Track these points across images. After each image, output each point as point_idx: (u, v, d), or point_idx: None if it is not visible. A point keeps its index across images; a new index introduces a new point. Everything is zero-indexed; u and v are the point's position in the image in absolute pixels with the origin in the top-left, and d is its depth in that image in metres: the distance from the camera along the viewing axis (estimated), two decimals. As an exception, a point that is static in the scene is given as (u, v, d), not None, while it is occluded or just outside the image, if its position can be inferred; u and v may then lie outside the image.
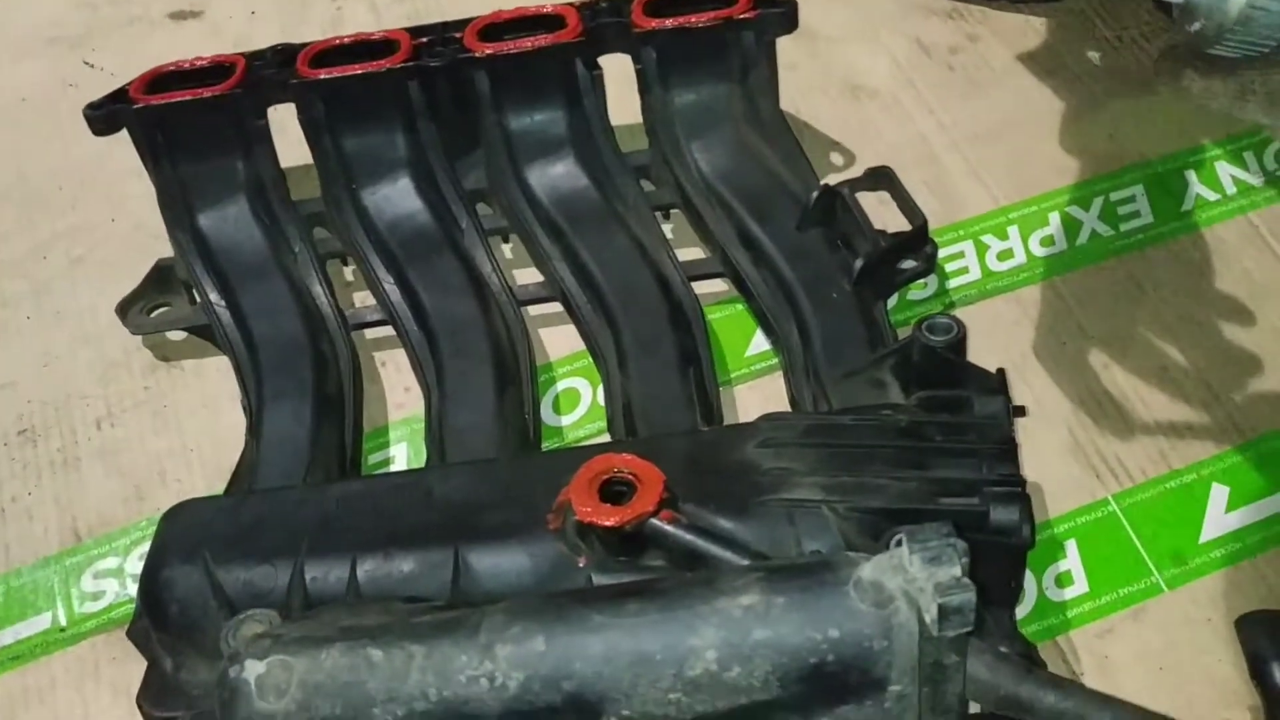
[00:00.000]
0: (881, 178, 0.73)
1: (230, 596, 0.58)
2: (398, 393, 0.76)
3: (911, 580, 0.41)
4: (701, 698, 0.41)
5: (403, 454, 0.74)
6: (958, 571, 0.40)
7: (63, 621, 0.70)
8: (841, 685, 0.41)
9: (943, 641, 0.43)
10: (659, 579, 0.47)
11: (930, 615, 0.40)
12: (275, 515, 0.61)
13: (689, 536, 0.55)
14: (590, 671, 0.41)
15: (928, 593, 0.40)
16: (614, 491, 0.57)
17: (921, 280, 0.76)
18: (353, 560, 0.57)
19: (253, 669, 0.43)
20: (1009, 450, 0.58)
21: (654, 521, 0.56)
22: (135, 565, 0.71)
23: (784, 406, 0.71)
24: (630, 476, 0.57)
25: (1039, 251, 0.78)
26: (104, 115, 0.75)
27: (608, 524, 0.55)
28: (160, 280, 0.79)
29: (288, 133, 0.81)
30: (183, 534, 0.61)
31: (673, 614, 0.41)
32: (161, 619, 0.59)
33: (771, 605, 0.41)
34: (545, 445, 0.72)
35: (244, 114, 0.76)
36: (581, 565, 0.56)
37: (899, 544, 0.47)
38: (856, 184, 0.72)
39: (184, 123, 0.76)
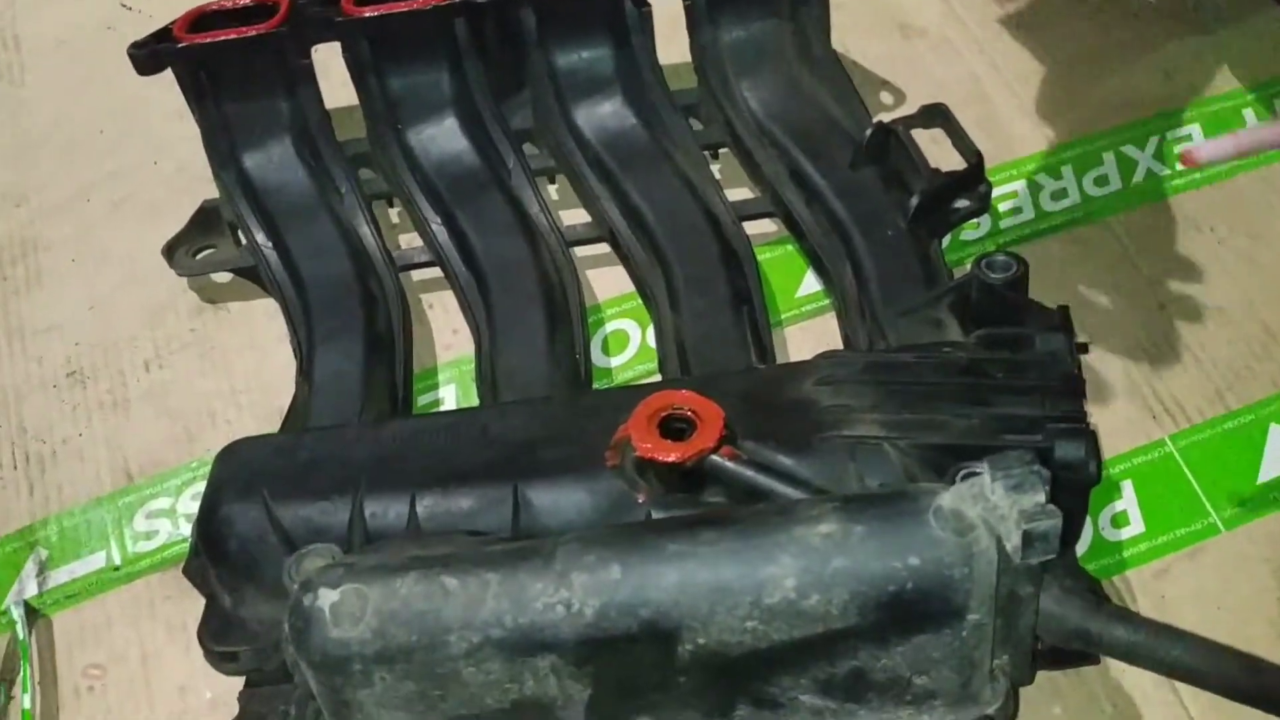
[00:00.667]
0: (936, 115, 0.72)
1: (289, 532, 0.58)
2: (445, 334, 0.76)
3: (992, 509, 0.40)
4: (778, 626, 0.41)
5: (451, 395, 0.74)
6: (1042, 498, 0.40)
7: (117, 561, 0.70)
8: (920, 614, 0.41)
9: (1019, 571, 0.43)
10: (731, 509, 0.46)
11: (1012, 543, 0.40)
12: (332, 452, 0.61)
13: (749, 472, 0.55)
14: (667, 599, 0.41)
15: (1009, 520, 0.40)
16: (673, 428, 0.57)
17: (974, 220, 0.75)
18: (412, 496, 0.57)
19: (327, 597, 0.43)
20: (1073, 386, 0.58)
21: (714, 458, 0.56)
22: (187, 505, 0.71)
23: (835, 347, 0.71)
24: (690, 413, 0.57)
25: (1093, 191, 0.77)
26: (148, 55, 0.75)
27: (668, 460, 0.55)
28: (205, 222, 0.78)
29: (331, 74, 0.80)
30: (239, 471, 0.61)
31: (749, 542, 0.41)
32: (220, 555, 0.59)
33: (850, 533, 0.40)
34: (595, 386, 0.72)
35: (288, 53, 0.76)
36: (640, 501, 0.56)
37: (965, 479, 0.47)
38: (910, 121, 0.71)
39: (228, 62, 0.75)
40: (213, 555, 0.60)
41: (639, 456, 0.56)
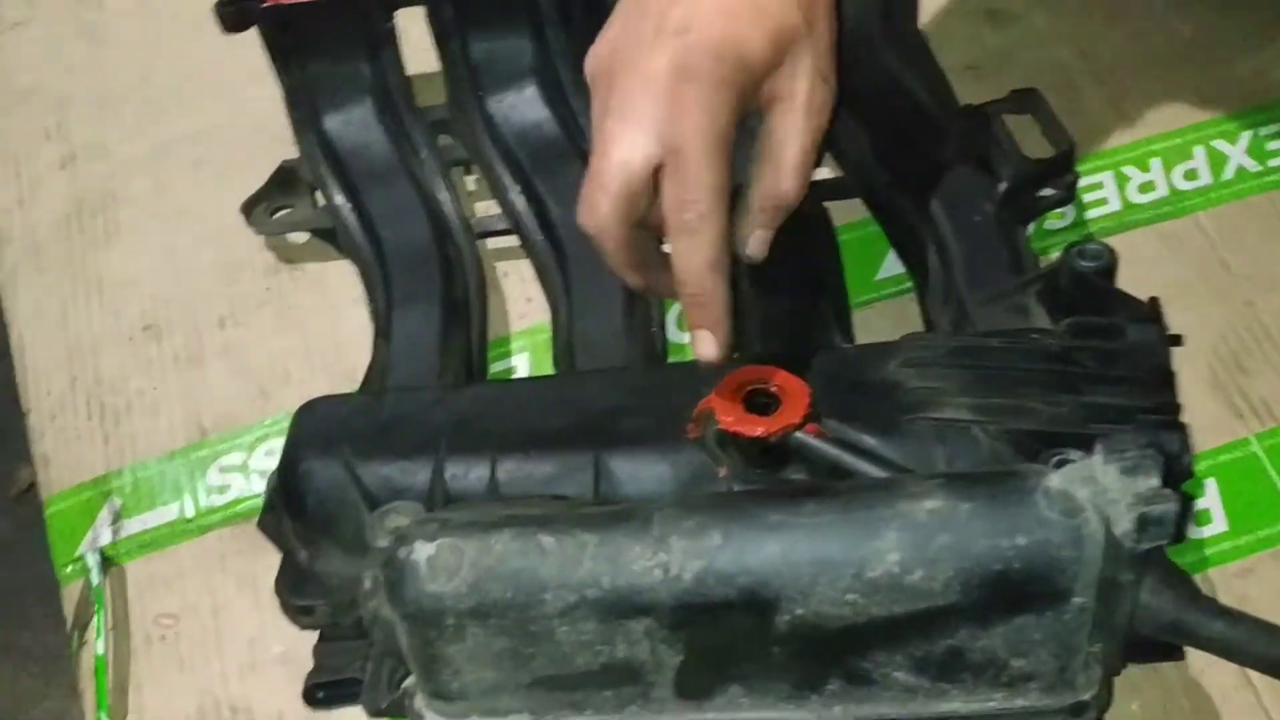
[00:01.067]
0: (1027, 100, 0.71)
1: (369, 490, 0.58)
2: (519, 303, 0.76)
3: (1101, 491, 0.40)
4: (879, 600, 0.40)
5: (524, 364, 0.74)
6: (1156, 482, 0.39)
7: (189, 513, 0.71)
8: (1024, 594, 0.40)
9: (1122, 558, 0.42)
10: (831, 483, 0.46)
11: (1121, 527, 0.39)
12: (412, 414, 0.61)
13: (834, 451, 0.54)
14: (767, 568, 0.40)
15: (1120, 504, 0.39)
16: (758, 403, 0.56)
17: (1059, 210, 0.74)
18: (492, 459, 0.57)
19: (423, 550, 0.43)
20: (1165, 378, 0.57)
21: (799, 434, 0.55)
22: (261, 461, 0.72)
23: (914, 330, 0.70)
24: (775, 389, 0.57)
25: (1182, 185, 0.76)
26: (234, 12, 0.75)
27: (753, 434, 0.55)
28: (284, 182, 0.79)
29: (410, 39, 0.80)
30: (320, 428, 0.61)
31: (853, 515, 0.41)
32: (299, 510, 0.59)
33: (957, 510, 0.40)
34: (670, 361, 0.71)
35: (373, 16, 0.76)
36: (721, 475, 0.56)
37: (1060, 464, 0.47)
38: (1000, 105, 0.71)
39: (313, 23, 0.76)
40: (291, 509, 0.60)
41: (722, 430, 0.56)
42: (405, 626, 0.44)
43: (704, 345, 0.55)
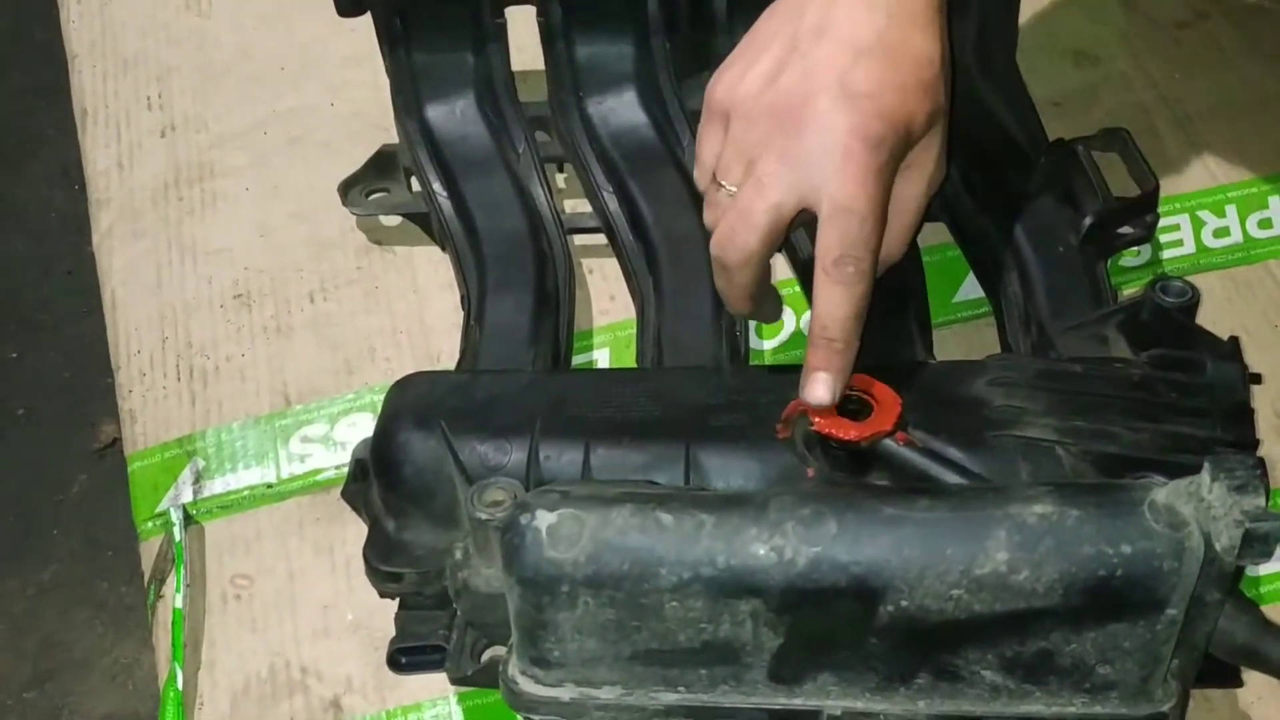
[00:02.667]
0: (1113, 139, 0.73)
1: (465, 465, 0.60)
2: (603, 300, 0.78)
3: (1205, 508, 0.42)
4: (982, 597, 0.42)
5: (604, 358, 0.75)
6: (1263, 501, 0.41)
7: (270, 479, 0.73)
8: (1122, 602, 0.42)
9: (1211, 576, 0.44)
10: (941, 485, 0.48)
11: (1222, 543, 0.41)
12: (507, 394, 0.63)
13: (923, 460, 0.56)
14: (880, 559, 0.42)
15: (1222, 520, 0.41)
16: (849, 409, 0.58)
17: (1135, 248, 0.76)
18: (586, 445, 0.59)
19: (544, 519, 0.45)
20: (1244, 414, 0.59)
21: (888, 442, 0.57)
22: (343, 433, 0.74)
23: (984, 354, 0.72)
24: (866, 396, 0.59)
25: (1256, 233, 0.78)
26: (352, -3, 0.77)
27: (846, 438, 0.57)
28: (381, 165, 0.81)
29: (513, 36, 0.82)
30: (417, 402, 0.63)
31: (965, 514, 0.42)
32: (394, 480, 0.61)
33: (1065, 516, 0.42)
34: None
35: (484, 10, 0.78)
36: (810, 475, 0.58)
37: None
38: (1089, 142, 0.72)
39: (425, 13, 0.78)
40: (385, 480, 0.62)
41: (813, 431, 0.58)
42: (518, 591, 0.46)
43: (818, 388, 0.56)
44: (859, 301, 0.57)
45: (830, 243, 0.56)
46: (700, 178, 0.62)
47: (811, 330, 0.57)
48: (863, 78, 0.56)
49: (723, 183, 0.59)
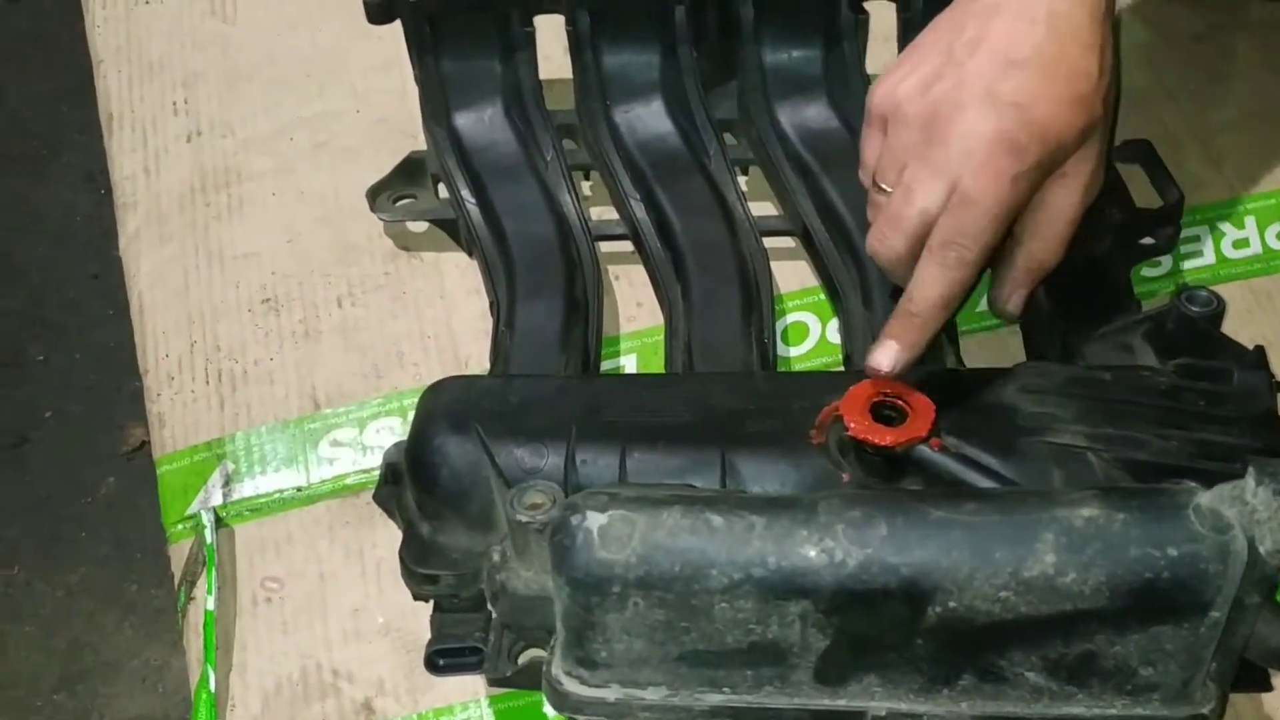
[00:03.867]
0: (1138, 150, 0.74)
1: (501, 469, 0.60)
2: (630, 306, 0.79)
3: (1249, 512, 0.42)
4: (1030, 599, 0.43)
5: (631, 364, 0.76)
6: (1309, 507, 0.42)
7: (299, 483, 0.73)
8: (1166, 604, 0.43)
9: (1253, 580, 0.45)
10: (988, 488, 0.48)
11: (1265, 547, 0.42)
12: (541, 399, 0.63)
13: (957, 466, 0.57)
14: (929, 560, 0.43)
15: (1266, 524, 0.42)
16: (883, 415, 0.59)
17: (1156, 259, 0.77)
18: (621, 449, 0.60)
19: (595, 519, 0.45)
20: (1271, 422, 0.59)
21: (922, 448, 0.58)
22: (372, 437, 0.74)
23: (1010, 364, 0.73)
24: (901, 403, 0.59)
25: (1275, 245, 0.79)
26: (382, 4, 0.78)
27: (881, 443, 0.57)
28: (409, 171, 0.81)
29: (540, 44, 0.83)
30: (451, 406, 0.63)
31: (1013, 517, 0.43)
32: (430, 484, 0.62)
33: (1112, 519, 0.42)
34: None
35: (513, 18, 0.79)
36: (845, 481, 0.58)
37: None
38: (1113, 153, 0.73)
39: (455, 20, 0.79)
40: (421, 483, 0.62)
41: (848, 436, 0.59)
42: (567, 592, 0.46)
43: (885, 354, 0.59)
44: (953, 287, 0.59)
45: (945, 227, 0.58)
46: (864, 178, 0.66)
47: (899, 303, 0.60)
48: (1013, 88, 0.58)
49: (881, 185, 0.63)
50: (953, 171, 0.58)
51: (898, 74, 0.62)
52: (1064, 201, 0.62)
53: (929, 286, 0.59)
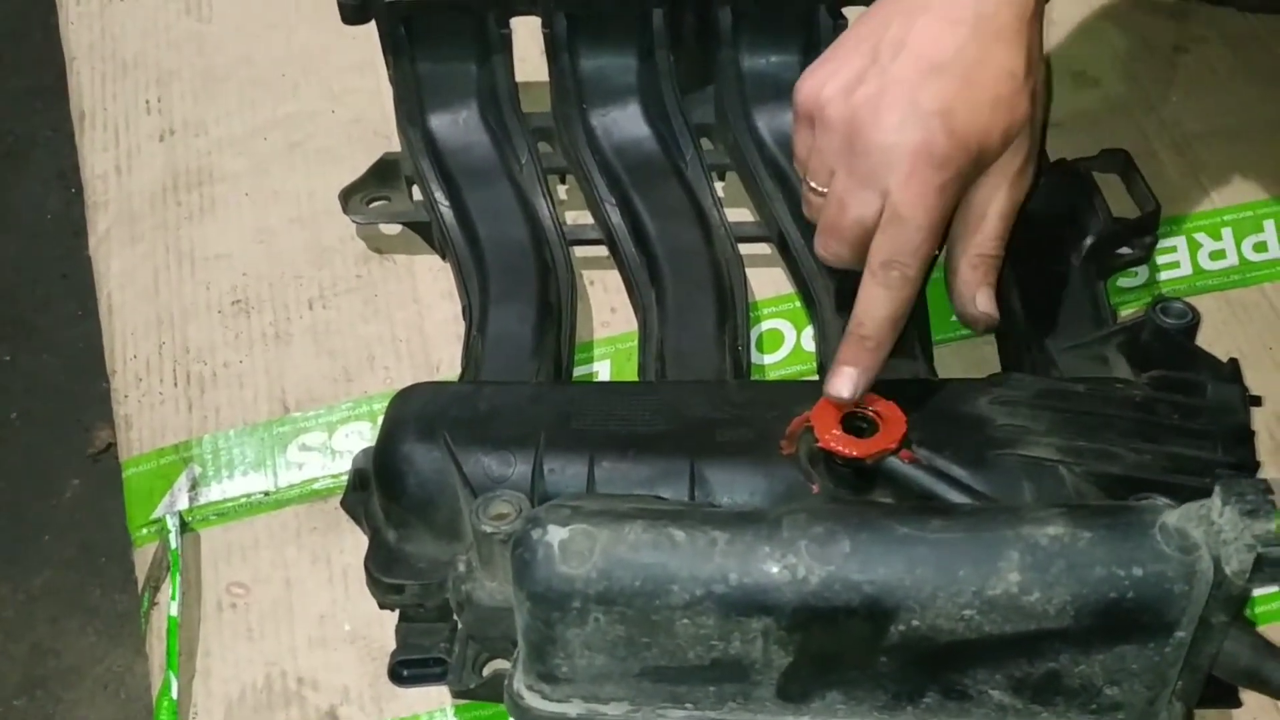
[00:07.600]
0: (1115, 160, 0.74)
1: (469, 477, 0.60)
2: (604, 312, 0.78)
3: (1215, 531, 0.42)
4: (994, 618, 0.42)
5: (605, 370, 0.75)
6: (1274, 526, 0.41)
7: (267, 487, 0.72)
8: (1132, 623, 0.42)
9: (1219, 600, 0.44)
10: (948, 504, 0.48)
11: (1231, 567, 0.41)
12: (511, 406, 0.63)
13: (927, 478, 0.57)
14: (893, 578, 0.42)
15: (1234, 544, 0.41)
16: (854, 426, 0.59)
17: (1132, 269, 0.77)
18: (590, 458, 0.59)
19: (556, 534, 0.45)
20: (1245, 436, 0.59)
21: (893, 459, 0.58)
22: (341, 442, 0.73)
23: (984, 372, 0.72)
24: (872, 413, 0.59)
25: (1252, 256, 0.79)
26: (357, 4, 0.77)
27: (851, 454, 0.57)
28: (383, 173, 0.80)
29: (516, 46, 0.82)
30: (420, 413, 0.63)
31: (978, 535, 0.43)
32: (398, 491, 0.61)
33: (1078, 538, 0.42)
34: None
35: (489, 21, 0.78)
36: (815, 492, 0.58)
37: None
38: (1090, 163, 0.73)
39: (430, 22, 0.78)
40: (389, 491, 0.62)
41: (819, 447, 0.58)
42: (528, 606, 0.46)
43: (842, 381, 0.59)
44: (899, 306, 0.59)
45: (882, 246, 0.59)
46: (798, 169, 0.66)
47: (849, 326, 0.60)
48: (934, 95, 0.58)
49: (812, 184, 0.64)
50: (880, 182, 0.58)
51: (823, 71, 0.62)
52: (994, 199, 0.62)
53: (877, 308, 0.59)
